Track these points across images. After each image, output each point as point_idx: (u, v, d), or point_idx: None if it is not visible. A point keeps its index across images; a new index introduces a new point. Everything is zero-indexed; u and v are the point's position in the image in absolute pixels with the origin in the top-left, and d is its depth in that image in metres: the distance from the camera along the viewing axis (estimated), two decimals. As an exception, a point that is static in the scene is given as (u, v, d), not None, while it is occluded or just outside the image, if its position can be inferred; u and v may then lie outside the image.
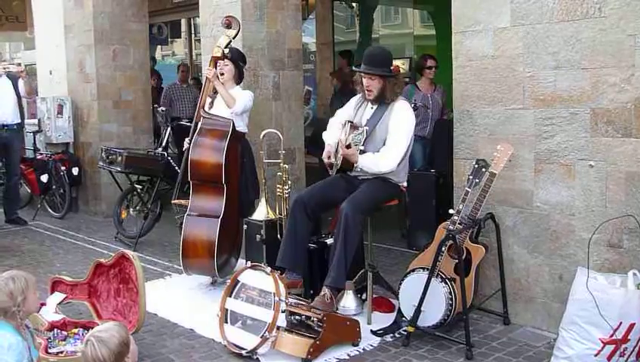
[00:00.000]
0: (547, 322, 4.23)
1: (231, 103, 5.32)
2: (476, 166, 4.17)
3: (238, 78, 5.57)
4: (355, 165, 4.56)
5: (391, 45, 10.68)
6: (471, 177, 4.16)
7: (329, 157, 4.68)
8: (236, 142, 5.28)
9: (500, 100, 4.35)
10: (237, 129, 5.30)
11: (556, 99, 4.07)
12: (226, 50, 5.40)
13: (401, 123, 4.52)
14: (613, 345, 3.46)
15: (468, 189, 4.14)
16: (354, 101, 4.85)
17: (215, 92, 5.49)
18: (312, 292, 4.67)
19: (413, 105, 6.53)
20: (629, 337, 3.45)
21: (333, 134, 4.76)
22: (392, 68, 4.62)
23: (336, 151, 4.64)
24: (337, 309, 4.52)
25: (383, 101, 4.59)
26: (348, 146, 4.45)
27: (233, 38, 5.43)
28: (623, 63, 3.76)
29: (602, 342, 3.48)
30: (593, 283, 3.54)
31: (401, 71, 4.73)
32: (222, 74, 5.44)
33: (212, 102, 5.52)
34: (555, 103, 4.08)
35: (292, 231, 4.60)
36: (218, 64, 5.44)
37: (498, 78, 4.34)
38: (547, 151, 4.15)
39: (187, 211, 5.17)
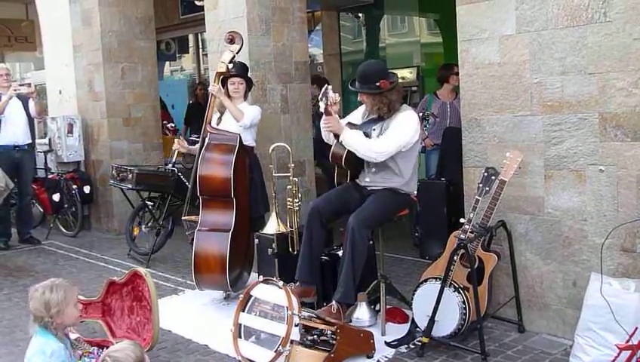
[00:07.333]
0: (562, 329, 4.20)
1: (239, 116, 5.39)
2: (486, 174, 4.16)
3: (244, 94, 5.64)
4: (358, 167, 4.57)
5: (398, 54, 10.67)
6: (481, 185, 4.15)
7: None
8: (244, 155, 5.31)
9: (508, 107, 4.34)
10: (245, 143, 5.35)
11: (564, 104, 4.06)
12: (230, 65, 5.44)
13: (400, 123, 4.49)
14: (630, 351, 3.44)
15: (478, 197, 4.13)
16: (363, 108, 4.85)
17: (224, 107, 5.54)
18: (324, 304, 4.66)
19: (421, 114, 6.54)
20: (645, 343, 3.43)
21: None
22: (378, 83, 4.45)
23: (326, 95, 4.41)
24: (351, 321, 4.52)
25: (380, 116, 4.56)
26: (328, 113, 4.38)
27: (237, 53, 5.47)
28: (630, 67, 3.74)
29: (618, 348, 3.46)
30: (607, 289, 3.52)
31: (389, 84, 4.47)
32: (237, 91, 5.54)
33: (220, 118, 5.57)
34: (563, 109, 4.06)
35: (309, 243, 4.61)
36: (232, 82, 5.50)
37: (505, 85, 4.33)
38: (557, 157, 4.13)
39: (198, 226, 5.19)
